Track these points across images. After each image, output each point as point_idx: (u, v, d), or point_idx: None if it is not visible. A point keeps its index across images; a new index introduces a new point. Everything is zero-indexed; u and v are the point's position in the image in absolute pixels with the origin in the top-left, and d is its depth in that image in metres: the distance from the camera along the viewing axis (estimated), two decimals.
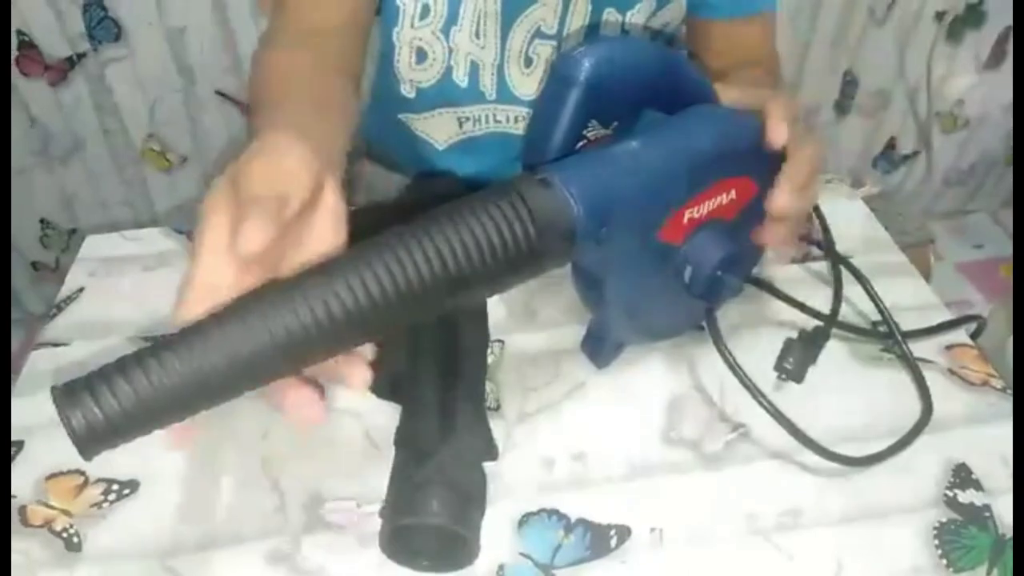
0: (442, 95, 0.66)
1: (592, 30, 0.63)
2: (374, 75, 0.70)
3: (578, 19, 0.62)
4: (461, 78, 0.65)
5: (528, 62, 0.64)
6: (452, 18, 0.61)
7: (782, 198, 0.43)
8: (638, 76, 0.43)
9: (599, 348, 0.50)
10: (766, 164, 0.44)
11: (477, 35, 0.62)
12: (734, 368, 0.44)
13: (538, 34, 0.62)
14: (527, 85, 0.65)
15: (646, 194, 0.40)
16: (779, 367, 0.49)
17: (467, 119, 0.68)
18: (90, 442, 0.30)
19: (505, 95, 0.65)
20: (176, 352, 0.31)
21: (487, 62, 0.63)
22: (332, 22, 0.57)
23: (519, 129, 0.68)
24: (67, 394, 0.30)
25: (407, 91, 0.66)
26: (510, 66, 0.64)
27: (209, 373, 0.31)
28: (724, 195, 0.43)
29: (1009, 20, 1.24)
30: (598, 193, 0.38)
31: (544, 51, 0.63)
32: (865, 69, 1.26)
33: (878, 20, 1.19)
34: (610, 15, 0.62)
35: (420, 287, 0.33)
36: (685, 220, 0.42)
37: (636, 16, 0.62)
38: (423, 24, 0.61)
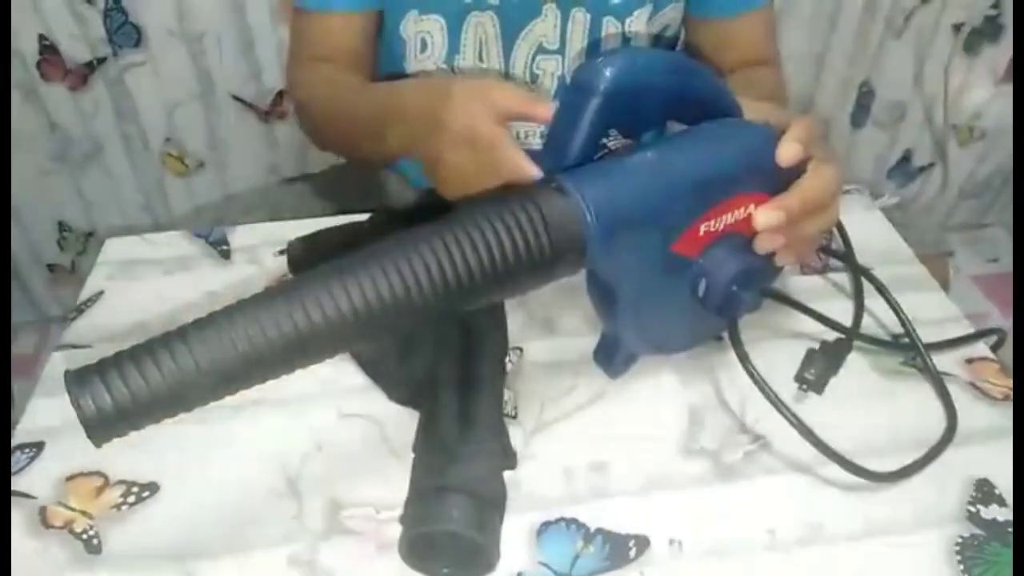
0: None
1: (594, 47, 0.63)
2: None
3: (578, 32, 0.62)
4: None
5: (533, 78, 0.64)
6: (454, 47, 0.62)
7: (763, 215, 0.42)
8: (660, 87, 0.43)
9: (611, 358, 0.50)
10: (786, 182, 0.44)
11: (481, 59, 0.63)
12: (757, 380, 0.43)
13: (540, 50, 0.63)
14: None
15: (660, 206, 0.40)
16: (800, 378, 0.49)
17: None
18: (100, 426, 0.31)
19: None
20: (188, 343, 0.31)
21: None
22: (342, 48, 0.64)
23: (528, 144, 0.68)
24: (79, 378, 0.31)
25: None
26: (516, 84, 0.64)
27: (219, 365, 0.31)
28: (742, 209, 0.43)
29: None
30: (611, 202, 0.38)
31: (548, 66, 0.64)
32: (882, 81, 1.25)
33: (896, 31, 1.19)
34: (610, 24, 0.62)
35: (432, 289, 0.34)
36: (701, 233, 0.42)
37: (635, 23, 0.63)
38: (424, 57, 0.63)
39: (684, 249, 0.42)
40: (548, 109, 0.42)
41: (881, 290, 0.53)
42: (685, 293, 0.44)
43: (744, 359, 0.44)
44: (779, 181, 0.44)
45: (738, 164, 0.43)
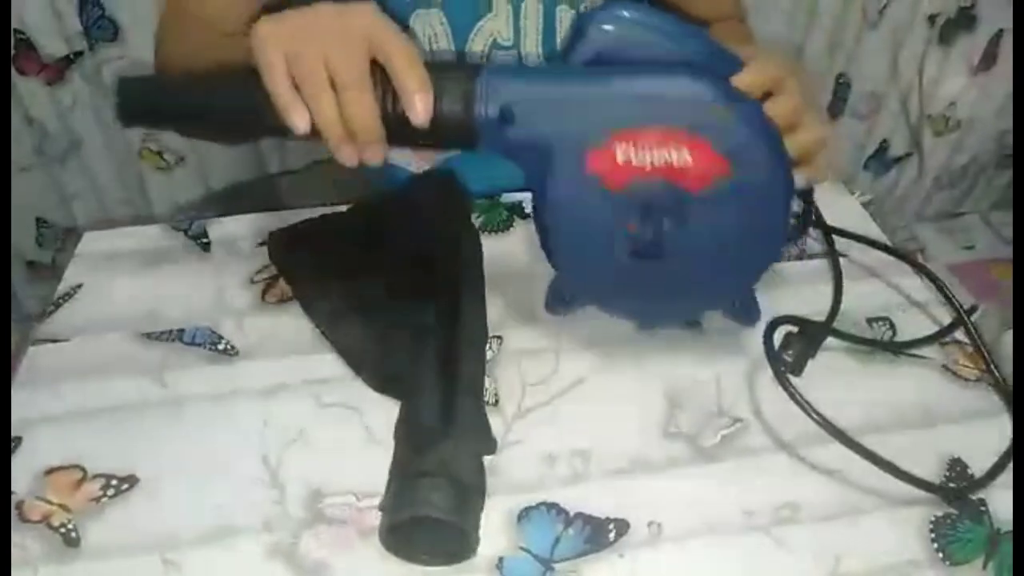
0: None
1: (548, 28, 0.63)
2: None
3: (532, 23, 0.61)
4: None
5: None
6: None
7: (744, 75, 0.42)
8: (656, 41, 0.43)
9: (558, 302, 0.50)
10: (738, 143, 0.41)
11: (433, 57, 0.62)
12: (775, 366, 0.44)
13: (495, 46, 0.62)
14: None
15: (558, 103, 0.43)
16: (778, 359, 0.50)
17: None
18: (126, 109, 0.47)
19: None
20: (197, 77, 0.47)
21: None
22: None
23: None
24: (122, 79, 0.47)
25: None
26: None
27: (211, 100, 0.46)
28: (672, 151, 0.41)
29: (1000, 23, 1.25)
30: (506, 86, 0.43)
31: (507, 62, 0.63)
32: (858, 72, 1.27)
33: (871, 22, 1.20)
34: (564, 12, 0.61)
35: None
36: (619, 159, 0.41)
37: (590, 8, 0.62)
38: None
39: (600, 171, 0.42)
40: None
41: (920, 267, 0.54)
42: (614, 235, 0.44)
43: (787, 386, 0.44)
44: (722, 134, 0.41)
45: (662, 92, 0.42)
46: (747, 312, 0.51)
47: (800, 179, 0.45)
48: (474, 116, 0.43)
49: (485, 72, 0.43)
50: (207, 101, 0.46)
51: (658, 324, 0.53)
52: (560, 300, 0.49)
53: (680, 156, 0.41)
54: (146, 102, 0.48)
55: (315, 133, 0.43)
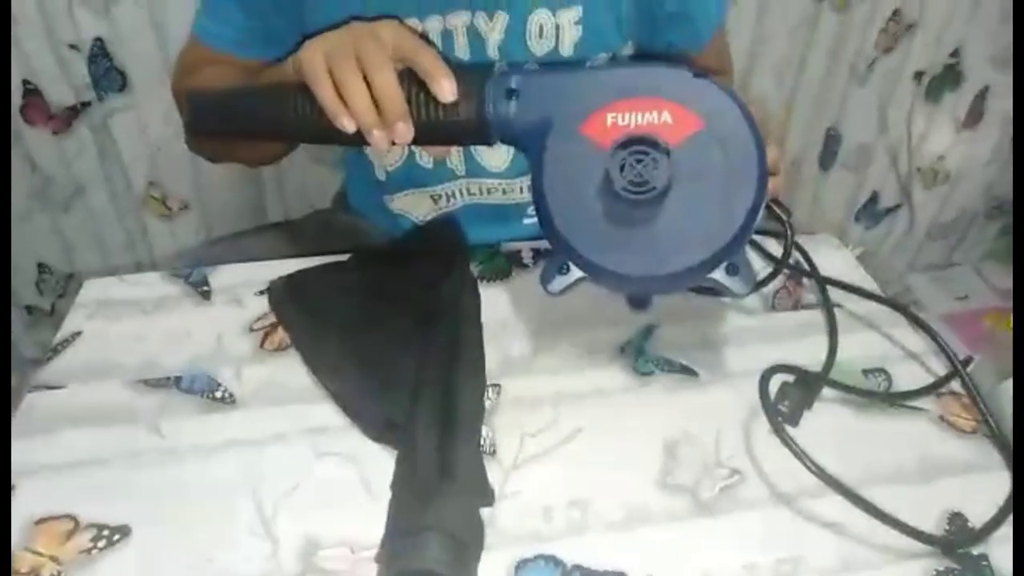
0: (410, 176, 0.68)
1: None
2: (351, 160, 0.75)
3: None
4: (425, 160, 0.66)
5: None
6: None
7: None
8: None
9: (554, 273, 0.49)
10: (712, 103, 0.46)
11: None
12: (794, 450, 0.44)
13: None
14: (495, 157, 0.66)
15: (556, 81, 0.49)
16: (774, 410, 0.50)
17: (439, 196, 0.69)
18: (200, 113, 0.56)
19: (474, 169, 0.66)
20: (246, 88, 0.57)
21: None
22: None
23: (494, 200, 0.69)
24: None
25: (379, 175, 0.69)
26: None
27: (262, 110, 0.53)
28: (655, 113, 0.46)
29: (985, 80, 1.29)
30: (512, 73, 0.49)
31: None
32: (848, 126, 1.29)
33: (860, 79, 1.23)
34: None
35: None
36: (609, 123, 0.46)
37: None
38: None
39: (593, 133, 0.46)
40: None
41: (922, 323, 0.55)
42: (605, 189, 0.46)
43: (781, 431, 0.45)
44: (698, 97, 0.46)
45: (640, 70, 0.49)
46: (740, 277, 0.48)
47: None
48: (486, 110, 0.49)
49: (494, 73, 0.49)
50: (267, 111, 0.52)
51: (653, 289, 0.54)
52: (555, 270, 0.49)
53: (661, 116, 0.46)
54: (215, 111, 0.55)
55: (360, 135, 0.48)
